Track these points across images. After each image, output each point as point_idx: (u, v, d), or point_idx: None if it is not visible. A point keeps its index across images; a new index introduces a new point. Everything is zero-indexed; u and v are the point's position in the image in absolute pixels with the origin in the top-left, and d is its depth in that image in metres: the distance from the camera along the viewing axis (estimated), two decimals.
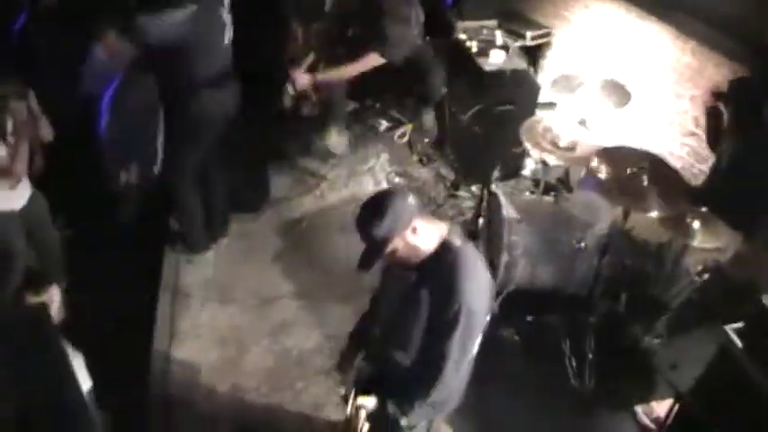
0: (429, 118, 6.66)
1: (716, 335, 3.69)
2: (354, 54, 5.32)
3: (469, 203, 6.01)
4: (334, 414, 4.42)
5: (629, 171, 4.22)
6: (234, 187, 5.64)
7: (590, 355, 4.58)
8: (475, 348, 2.94)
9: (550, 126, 5.00)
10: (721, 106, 4.55)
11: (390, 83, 5.89)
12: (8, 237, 4.37)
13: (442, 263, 2.84)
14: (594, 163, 4.40)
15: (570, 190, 5.56)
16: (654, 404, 4.39)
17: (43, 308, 2.94)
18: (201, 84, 4.70)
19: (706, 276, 4.42)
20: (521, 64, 6.10)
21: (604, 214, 4.70)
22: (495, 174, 5.89)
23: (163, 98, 4.92)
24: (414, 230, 2.78)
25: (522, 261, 4.61)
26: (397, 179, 6.32)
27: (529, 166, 6.16)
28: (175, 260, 5.47)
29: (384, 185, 6.21)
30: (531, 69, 6.33)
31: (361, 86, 5.89)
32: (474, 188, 6.12)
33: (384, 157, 6.55)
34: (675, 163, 5.19)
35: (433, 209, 5.65)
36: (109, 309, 4.53)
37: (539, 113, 5.86)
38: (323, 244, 5.72)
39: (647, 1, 5.84)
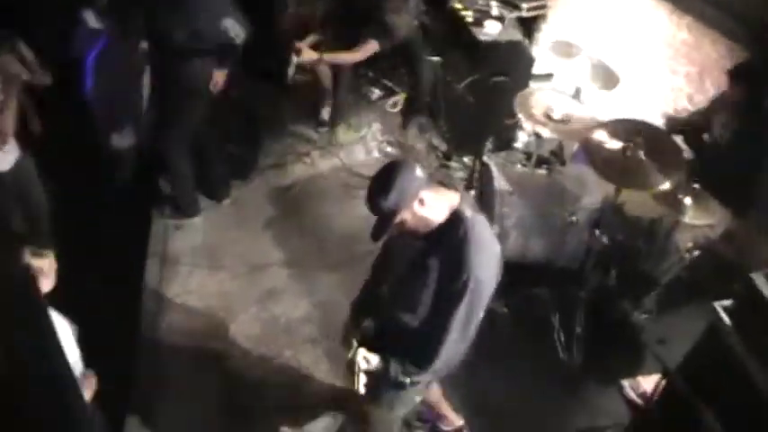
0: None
1: (705, 312, 3.70)
2: (355, 37, 5.30)
3: (461, 174, 6.00)
4: (321, 383, 4.44)
5: (624, 147, 4.18)
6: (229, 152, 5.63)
7: (578, 329, 4.59)
8: (480, 315, 2.99)
9: (544, 98, 4.97)
10: None
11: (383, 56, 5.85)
12: None
13: (453, 233, 2.87)
14: (590, 137, 4.37)
15: (564, 163, 5.54)
16: (640, 379, 4.41)
17: (32, 276, 2.89)
18: (192, 49, 4.68)
19: (696, 253, 4.43)
20: (516, 35, 6.05)
21: (597, 188, 4.69)
22: (488, 145, 5.89)
23: (151, 63, 4.86)
24: (421, 202, 2.81)
25: (514, 233, 4.60)
26: (388, 148, 6.29)
27: (521, 139, 6.15)
28: (164, 226, 5.44)
29: (376, 155, 6.19)
30: (526, 41, 6.28)
31: None
32: (466, 159, 6.11)
33: (376, 126, 6.52)
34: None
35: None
36: (96, 274, 4.49)
37: (533, 85, 5.83)
38: (313, 212, 5.70)
39: None
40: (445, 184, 3.00)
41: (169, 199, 5.52)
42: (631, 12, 5.91)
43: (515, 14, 6.23)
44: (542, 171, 5.14)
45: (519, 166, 5.65)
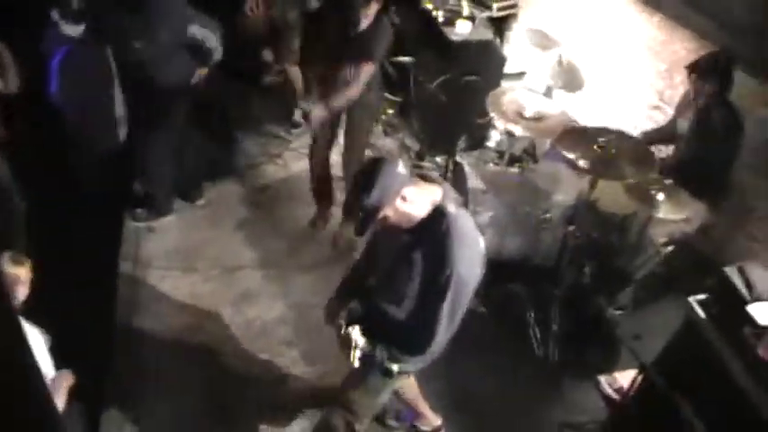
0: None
1: (680, 306, 3.73)
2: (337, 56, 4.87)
3: (434, 174, 5.97)
4: (299, 383, 4.42)
5: (596, 146, 4.21)
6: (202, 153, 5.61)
7: (554, 326, 4.61)
8: (464, 308, 3.03)
9: (516, 97, 4.99)
10: None
11: None
12: None
13: (436, 228, 2.90)
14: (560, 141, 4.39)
15: (536, 161, 5.57)
16: (617, 374, 4.44)
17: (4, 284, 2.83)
18: (161, 54, 4.71)
19: (671, 248, 4.47)
20: (487, 35, 6.09)
21: (570, 186, 4.71)
22: (461, 144, 5.90)
23: (121, 67, 4.83)
24: (404, 199, 2.84)
25: (489, 231, 4.60)
26: None
27: (494, 137, 6.18)
28: (136, 229, 5.37)
29: None
30: (498, 40, 6.31)
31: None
32: (439, 159, 6.11)
33: None
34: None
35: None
36: (68, 279, 4.42)
37: (505, 84, 5.86)
38: (287, 213, 5.67)
39: None
40: (427, 178, 3.01)
41: (142, 201, 5.45)
42: (602, 10, 5.94)
43: (486, 14, 6.25)
44: (515, 169, 5.17)
45: (492, 164, 5.68)
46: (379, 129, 6.42)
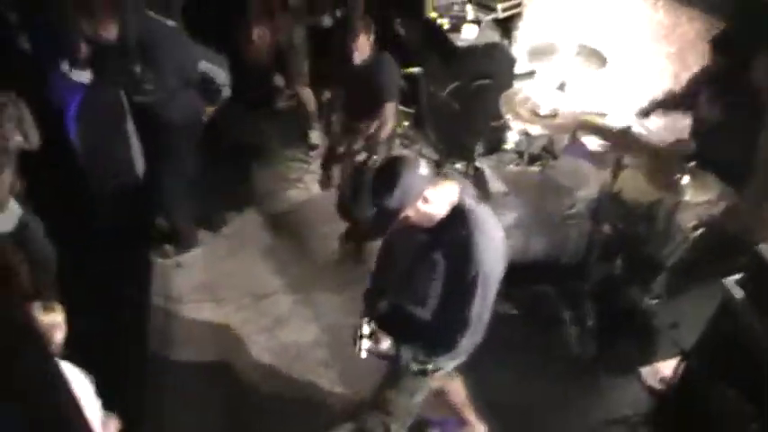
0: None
1: (714, 290, 3.68)
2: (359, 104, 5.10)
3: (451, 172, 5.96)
4: (339, 403, 4.40)
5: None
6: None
7: (589, 322, 4.55)
8: (492, 302, 3.02)
9: (529, 96, 4.95)
10: None
11: None
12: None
13: (457, 227, 2.87)
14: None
15: (556, 158, 5.52)
16: (658, 365, 4.37)
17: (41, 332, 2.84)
18: (171, 94, 4.72)
19: (700, 231, 4.40)
20: (494, 37, 6.07)
21: (592, 179, 4.67)
22: (479, 149, 5.86)
23: (131, 104, 4.87)
24: (425, 200, 2.80)
25: (515, 233, 4.56)
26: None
27: (512, 139, 6.14)
28: (163, 265, 5.39)
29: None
30: (505, 41, 6.28)
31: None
32: (458, 165, 6.07)
33: None
34: (656, 122, 5.14)
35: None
36: (101, 320, 4.45)
37: (517, 84, 5.82)
38: (311, 235, 5.67)
39: None
40: (446, 176, 3.00)
41: (168, 236, 5.48)
42: (603, 3, 5.89)
43: (491, 16, 6.23)
44: (535, 168, 5.12)
45: (512, 165, 5.63)
46: (396, 142, 6.41)
